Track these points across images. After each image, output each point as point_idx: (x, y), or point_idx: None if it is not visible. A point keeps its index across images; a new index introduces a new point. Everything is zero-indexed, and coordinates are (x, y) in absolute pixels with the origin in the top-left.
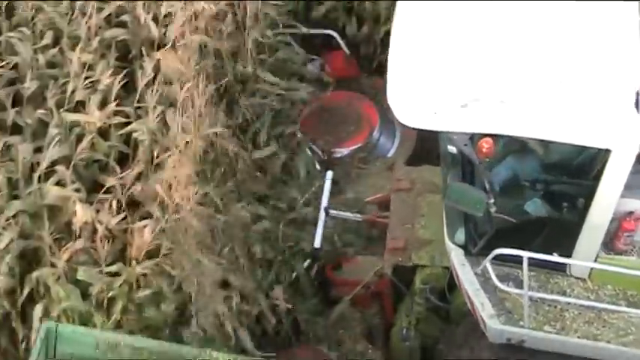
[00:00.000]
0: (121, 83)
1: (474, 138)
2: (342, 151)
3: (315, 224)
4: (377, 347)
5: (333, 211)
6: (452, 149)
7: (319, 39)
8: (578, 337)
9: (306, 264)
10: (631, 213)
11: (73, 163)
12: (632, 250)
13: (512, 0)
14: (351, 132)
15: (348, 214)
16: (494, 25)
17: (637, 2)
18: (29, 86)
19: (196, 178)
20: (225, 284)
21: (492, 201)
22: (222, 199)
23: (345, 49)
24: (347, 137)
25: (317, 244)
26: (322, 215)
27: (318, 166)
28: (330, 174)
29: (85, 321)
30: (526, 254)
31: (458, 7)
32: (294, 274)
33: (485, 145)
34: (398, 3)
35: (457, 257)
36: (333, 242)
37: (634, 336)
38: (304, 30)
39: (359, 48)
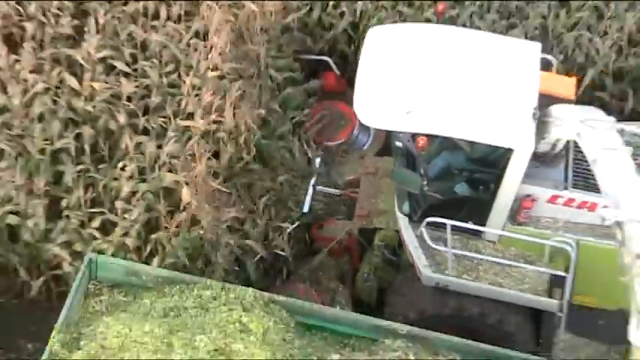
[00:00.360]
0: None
1: (414, 136)
2: (330, 144)
3: (306, 195)
4: (346, 287)
5: (319, 187)
6: (399, 144)
7: (321, 63)
8: (488, 284)
9: (296, 223)
10: (529, 195)
11: (182, 157)
12: (529, 222)
13: (447, 37)
14: (338, 130)
15: (329, 190)
16: (432, 58)
17: (539, 43)
18: (155, 100)
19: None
20: (239, 231)
21: (426, 183)
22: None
23: (336, 70)
24: (334, 134)
25: (305, 209)
26: (310, 189)
27: (310, 154)
28: (318, 160)
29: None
30: (449, 222)
31: (404, 47)
32: (288, 230)
33: (421, 141)
34: (363, 46)
35: (403, 223)
36: (318, 209)
37: (528, 285)
38: (309, 56)
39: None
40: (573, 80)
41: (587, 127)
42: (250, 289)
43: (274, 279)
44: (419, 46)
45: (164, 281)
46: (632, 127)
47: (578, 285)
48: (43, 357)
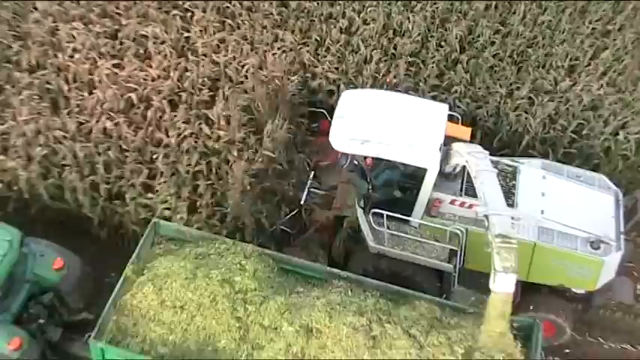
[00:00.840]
0: None
1: (365, 158)
2: (323, 163)
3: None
4: (325, 251)
5: (312, 189)
6: (356, 162)
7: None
8: (410, 253)
9: (296, 210)
10: (438, 198)
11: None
12: (438, 215)
13: (390, 99)
14: (329, 155)
15: (318, 191)
16: (380, 110)
17: (447, 104)
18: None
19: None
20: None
21: (370, 188)
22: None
23: (328, 118)
24: (326, 156)
25: (302, 201)
26: (306, 191)
27: (308, 169)
28: (312, 173)
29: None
30: (385, 213)
31: (363, 103)
32: (292, 213)
33: (369, 161)
34: (338, 101)
35: (360, 213)
36: (311, 201)
37: (435, 255)
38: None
39: None
40: (469, 130)
41: (472, 157)
42: (251, 245)
43: (282, 244)
44: (372, 103)
45: (199, 238)
46: (503, 160)
47: (469, 257)
48: (121, 278)
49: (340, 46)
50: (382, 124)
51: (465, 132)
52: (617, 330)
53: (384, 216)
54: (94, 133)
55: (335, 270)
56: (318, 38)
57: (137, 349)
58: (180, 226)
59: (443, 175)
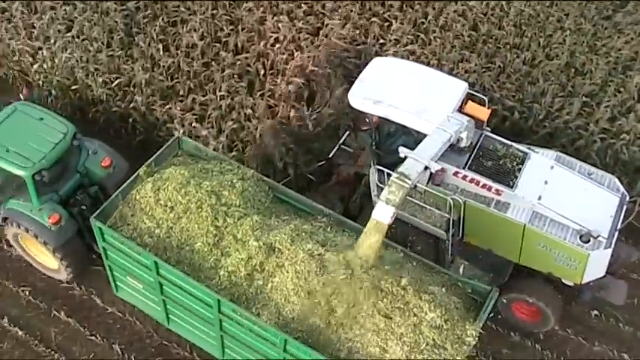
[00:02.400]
0: None
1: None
2: (364, 128)
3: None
4: (342, 203)
5: (343, 146)
6: (367, 120)
7: None
8: (410, 215)
9: (322, 162)
10: (442, 168)
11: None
12: (441, 185)
13: (414, 68)
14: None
15: (348, 149)
16: (400, 78)
17: (466, 83)
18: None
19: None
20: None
21: (374, 143)
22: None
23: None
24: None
25: (331, 155)
26: (337, 146)
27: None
28: (347, 133)
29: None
30: (386, 170)
31: (386, 70)
32: (318, 164)
33: (375, 119)
34: (367, 66)
35: (371, 172)
36: (338, 157)
37: (432, 221)
38: None
39: None
40: (487, 111)
41: (447, 119)
42: (252, 171)
43: (303, 190)
44: (396, 71)
45: (213, 157)
46: (516, 145)
47: (469, 230)
48: (133, 176)
49: (520, 75)
50: (398, 90)
51: (483, 112)
52: (604, 333)
53: (386, 175)
54: (278, 117)
55: (321, 206)
56: (501, 65)
57: (127, 234)
58: (199, 144)
59: (452, 148)
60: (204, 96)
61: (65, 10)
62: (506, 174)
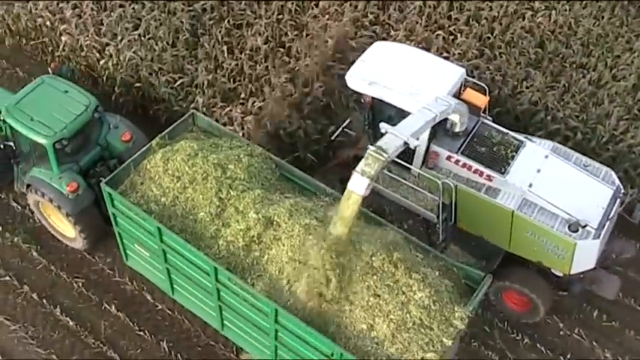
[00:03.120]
0: None
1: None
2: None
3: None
4: (342, 185)
5: (346, 129)
6: (362, 100)
7: None
8: (401, 196)
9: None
10: (436, 152)
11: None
12: (435, 169)
13: (413, 53)
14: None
15: (350, 132)
16: (398, 62)
17: (464, 69)
18: None
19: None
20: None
21: (367, 123)
22: None
23: None
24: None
25: (333, 137)
26: (340, 129)
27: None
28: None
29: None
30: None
31: (385, 53)
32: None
33: (367, 99)
34: (368, 49)
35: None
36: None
37: (423, 203)
38: None
39: None
40: (485, 98)
41: (435, 100)
42: (261, 148)
43: (304, 169)
44: (396, 55)
45: (224, 133)
46: (512, 133)
47: (461, 216)
48: (146, 146)
49: (585, 96)
50: (395, 73)
51: (480, 99)
52: (593, 328)
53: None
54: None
55: (324, 186)
56: (566, 84)
57: (134, 201)
58: (212, 121)
59: (447, 133)
60: (263, 100)
61: (134, 8)
62: (498, 160)
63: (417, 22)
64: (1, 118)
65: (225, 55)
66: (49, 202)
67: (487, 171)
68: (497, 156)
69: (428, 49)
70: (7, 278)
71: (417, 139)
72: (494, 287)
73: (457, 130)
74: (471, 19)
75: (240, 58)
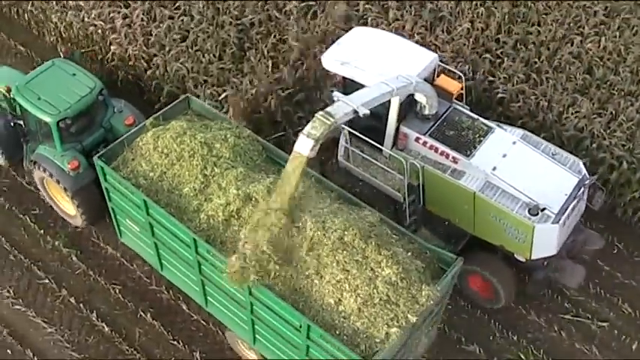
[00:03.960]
0: None
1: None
2: None
3: None
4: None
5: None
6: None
7: None
8: (370, 176)
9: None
10: (405, 133)
11: None
12: (404, 150)
13: (388, 37)
14: None
15: None
16: (372, 45)
17: (436, 55)
18: None
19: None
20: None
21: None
22: None
23: None
24: None
25: None
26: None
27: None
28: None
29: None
30: (348, 128)
31: (362, 38)
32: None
33: (338, 78)
34: (347, 34)
35: (342, 135)
36: None
37: (392, 183)
38: None
39: None
40: (458, 85)
41: (396, 77)
42: (249, 131)
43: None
44: (373, 39)
45: (216, 116)
46: (482, 119)
47: (429, 198)
48: (140, 125)
49: (633, 124)
50: (369, 55)
51: (452, 85)
52: (556, 313)
53: (352, 137)
54: None
55: (307, 168)
56: (613, 112)
57: (124, 175)
58: (206, 105)
59: (417, 115)
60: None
61: (182, 20)
62: (465, 144)
63: (465, 45)
64: (12, 96)
65: (270, 69)
66: (51, 178)
67: (453, 153)
68: (465, 140)
69: (475, 71)
70: (47, 281)
71: (370, 110)
72: (460, 271)
73: (427, 112)
74: (518, 44)
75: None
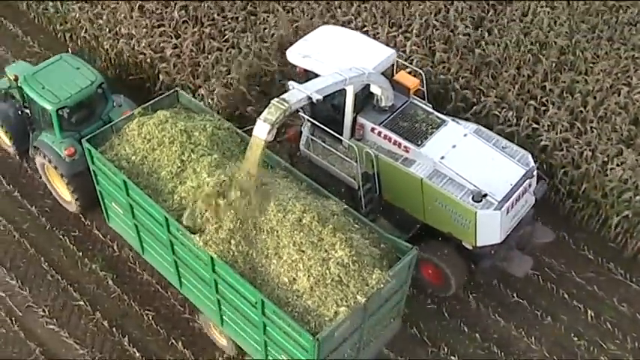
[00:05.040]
0: None
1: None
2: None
3: None
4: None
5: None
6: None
7: None
8: (328, 163)
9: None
10: (361, 124)
11: None
12: (361, 140)
13: (351, 35)
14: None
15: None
16: (335, 42)
17: (395, 51)
18: None
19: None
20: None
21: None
22: None
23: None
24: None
25: None
26: None
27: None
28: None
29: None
30: (307, 116)
31: (326, 35)
32: None
33: (299, 69)
34: (314, 31)
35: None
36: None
37: (348, 171)
38: None
39: None
40: (416, 81)
41: (350, 69)
42: (230, 123)
43: None
44: (337, 36)
45: (201, 111)
46: (437, 113)
47: (384, 187)
48: (129, 114)
49: None
50: (329, 50)
51: (410, 80)
52: (506, 305)
53: (315, 128)
54: None
55: (278, 158)
56: None
57: (109, 158)
58: (193, 99)
59: (374, 107)
60: None
61: (230, 52)
62: (417, 134)
63: (510, 91)
64: (19, 84)
65: None
66: (49, 164)
67: (404, 142)
68: (418, 131)
69: (519, 117)
70: (81, 303)
71: (325, 97)
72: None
73: (383, 104)
74: (564, 92)
75: None
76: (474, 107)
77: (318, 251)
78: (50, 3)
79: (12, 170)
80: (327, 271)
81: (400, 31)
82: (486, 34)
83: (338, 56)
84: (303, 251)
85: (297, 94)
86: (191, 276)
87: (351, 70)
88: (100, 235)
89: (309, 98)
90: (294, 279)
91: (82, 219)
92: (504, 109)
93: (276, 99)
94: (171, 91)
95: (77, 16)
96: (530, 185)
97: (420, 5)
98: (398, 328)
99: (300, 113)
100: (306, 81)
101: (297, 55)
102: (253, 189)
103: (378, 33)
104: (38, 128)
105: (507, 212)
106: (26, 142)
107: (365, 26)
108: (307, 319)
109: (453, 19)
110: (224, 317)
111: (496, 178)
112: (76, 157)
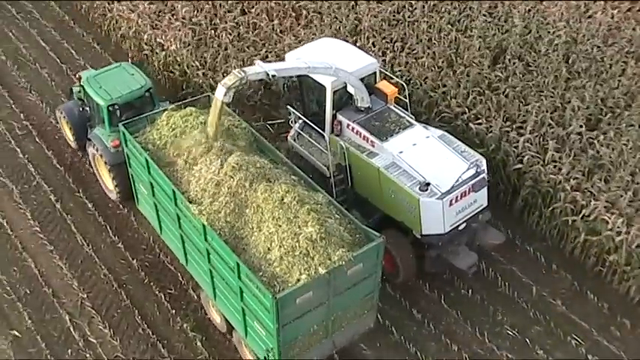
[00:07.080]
0: None
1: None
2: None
3: None
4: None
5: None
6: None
7: None
8: (308, 154)
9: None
10: (339, 120)
11: None
12: (339, 135)
13: (341, 45)
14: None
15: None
16: (329, 50)
17: (377, 61)
18: None
19: None
20: None
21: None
22: None
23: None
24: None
25: None
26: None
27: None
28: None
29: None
30: (292, 109)
31: (324, 45)
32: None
33: (274, 73)
34: (313, 41)
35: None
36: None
37: (324, 161)
38: None
39: None
40: (395, 89)
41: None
42: (246, 123)
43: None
44: (331, 46)
45: (228, 114)
46: (406, 116)
47: (356, 180)
48: (162, 109)
49: None
50: (320, 56)
51: (389, 88)
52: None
53: (305, 124)
54: None
55: (279, 153)
56: None
57: (139, 142)
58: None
59: (352, 107)
60: None
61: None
62: (384, 132)
63: (622, 197)
64: (81, 83)
65: None
66: (97, 152)
67: (371, 137)
68: (386, 130)
69: (629, 225)
70: None
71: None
72: None
73: (359, 104)
74: None
75: None
76: (583, 210)
77: (292, 226)
78: (123, 25)
79: (119, 221)
80: (297, 244)
81: (514, 126)
82: (602, 136)
83: (325, 60)
84: (280, 225)
85: (256, 68)
86: (192, 250)
87: (319, 62)
88: (195, 296)
89: (267, 74)
90: (268, 249)
91: (180, 278)
92: (614, 215)
93: (237, 70)
94: (204, 94)
95: (136, 30)
96: (479, 186)
97: (537, 102)
98: (372, 323)
99: (292, 110)
100: (297, 78)
101: (292, 57)
102: (213, 138)
103: (491, 126)
104: (94, 124)
105: (450, 204)
106: (85, 137)
107: (478, 118)
108: (273, 284)
109: (569, 118)
110: (216, 290)
111: (445, 174)
112: (120, 149)
